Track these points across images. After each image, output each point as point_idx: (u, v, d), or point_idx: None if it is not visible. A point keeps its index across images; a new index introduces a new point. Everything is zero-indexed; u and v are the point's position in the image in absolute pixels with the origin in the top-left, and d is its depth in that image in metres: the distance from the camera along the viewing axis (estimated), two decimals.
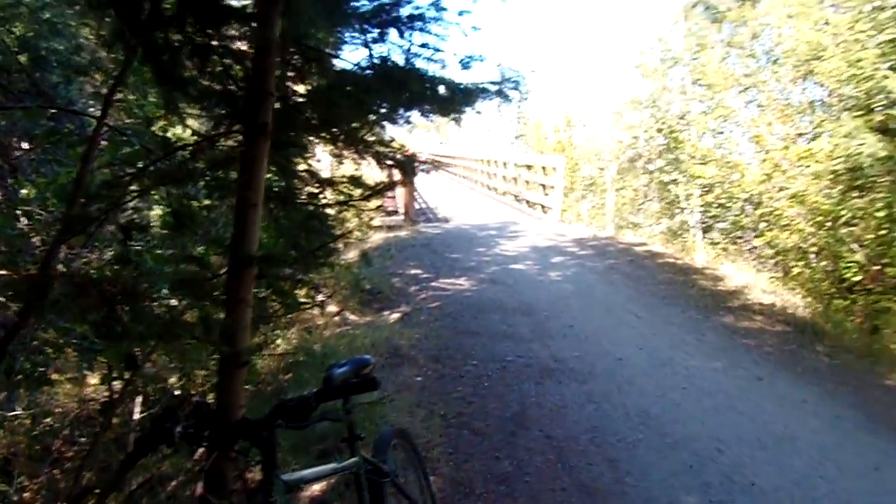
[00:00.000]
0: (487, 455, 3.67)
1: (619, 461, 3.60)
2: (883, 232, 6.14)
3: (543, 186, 14.66)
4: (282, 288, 3.89)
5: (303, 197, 3.41)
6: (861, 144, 6.19)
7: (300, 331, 6.43)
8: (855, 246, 6.32)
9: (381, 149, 3.34)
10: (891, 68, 6.09)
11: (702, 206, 10.77)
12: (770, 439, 3.91)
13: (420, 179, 28.30)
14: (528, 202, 15.87)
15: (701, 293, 7.55)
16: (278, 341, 5.98)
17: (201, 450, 2.94)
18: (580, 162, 16.29)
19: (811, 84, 8.09)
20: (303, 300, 5.07)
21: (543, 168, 14.49)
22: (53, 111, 4.58)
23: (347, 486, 3.21)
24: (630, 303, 7.11)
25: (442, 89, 2.91)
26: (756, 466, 3.57)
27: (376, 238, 11.70)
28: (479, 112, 3.18)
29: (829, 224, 6.46)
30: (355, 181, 3.30)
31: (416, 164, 3.79)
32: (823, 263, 6.70)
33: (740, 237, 8.87)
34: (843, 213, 6.33)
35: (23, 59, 5.90)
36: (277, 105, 2.24)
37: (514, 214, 15.55)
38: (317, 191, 3.35)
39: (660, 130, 12.07)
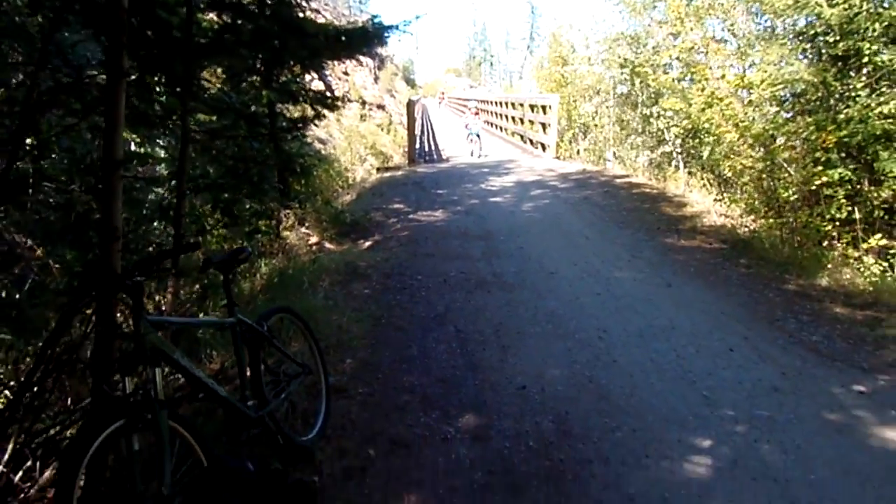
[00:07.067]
0: (401, 344, 4.39)
1: (510, 347, 4.28)
2: (816, 154, 6.55)
3: (543, 125, 15.07)
4: (231, 210, 4.63)
5: (233, 131, 4.07)
6: (792, 70, 6.59)
7: (283, 259, 7.20)
8: (789, 168, 6.77)
9: (294, 87, 3.98)
10: None
11: (675, 137, 11.16)
12: (651, 330, 4.54)
13: (439, 123, 28.52)
14: (531, 141, 16.31)
15: (659, 218, 8.08)
16: (262, 268, 6.76)
17: None
18: (577, 99, 16.61)
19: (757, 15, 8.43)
20: (263, 229, 5.82)
21: (543, 107, 14.87)
22: None
23: None
24: (587, 228, 7.69)
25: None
26: (625, 349, 4.22)
27: (373, 178, 12.40)
28: (372, 55, 3.77)
29: (765, 148, 6.88)
30: (270, 115, 3.94)
31: (338, 101, 4.42)
32: (763, 184, 7.15)
33: (711, 166, 9.29)
34: (778, 136, 6.76)
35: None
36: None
37: (516, 153, 16.05)
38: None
39: (622, 66, 12.36)
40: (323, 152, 15.59)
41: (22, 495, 2.78)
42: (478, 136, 16.19)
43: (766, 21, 8.43)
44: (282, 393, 2.98)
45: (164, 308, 4.45)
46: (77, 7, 3.17)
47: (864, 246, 6.20)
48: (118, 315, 2.67)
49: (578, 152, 16.06)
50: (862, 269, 5.83)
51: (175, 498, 2.10)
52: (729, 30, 10.02)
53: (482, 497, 2.73)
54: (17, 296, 4.48)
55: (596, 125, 15.70)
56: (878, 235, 6.11)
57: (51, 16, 3.23)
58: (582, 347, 4.26)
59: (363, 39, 4.11)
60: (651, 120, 12.30)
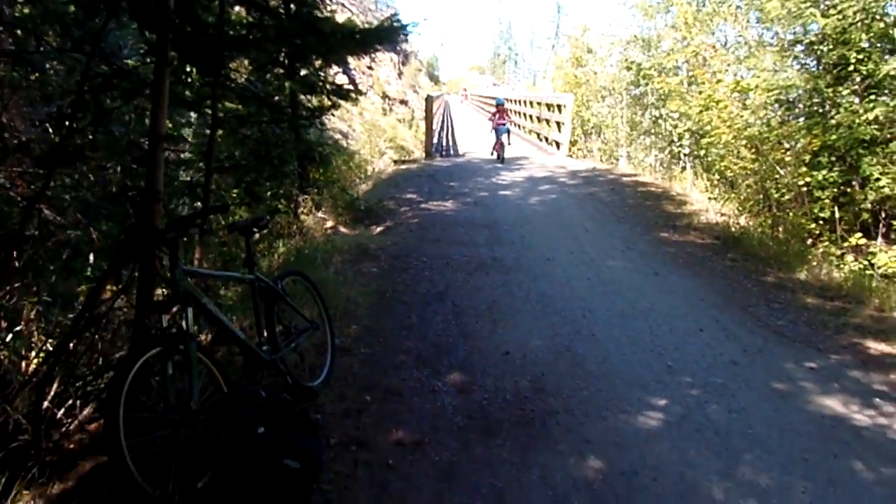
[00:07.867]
0: (402, 315, 4.84)
1: (500, 321, 4.72)
2: (805, 157, 6.92)
3: (557, 124, 15.45)
4: (252, 190, 5.11)
5: (257, 118, 4.55)
6: (786, 77, 6.96)
7: (299, 240, 7.69)
8: (780, 169, 7.13)
9: (314, 80, 4.44)
10: (814, 5, 6.77)
11: (679, 137, 11.53)
12: (632, 311, 4.95)
13: (460, 119, 28.92)
14: (546, 139, 16.69)
15: (658, 215, 8.45)
16: (280, 247, 7.25)
17: None
18: (590, 99, 17.01)
19: (757, 25, 8.80)
20: (282, 210, 6.31)
21: (558, 106, 15.25)
22: None
23: None
24: (588, 221, 8.08)
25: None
26: (605, 326, 4.64)
27: (390, 170, 12.87)
28: (376, 52, 4.24)
29: (759, 148, 7.25)
30: (292, 104, 4.42)
31: (353, 93, 4.89)
32: (757, 184, 7.51)
33: (709, 166, 9.65)
34: (770, 138, 7.14)
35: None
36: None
37: (531, 150, 16.45)
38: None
39: (628, 69, 12.75)
40: (343, 144, 16.11)
41: (63, 429, 3.27)
42: (504, 141, 13.48)
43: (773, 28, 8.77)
44: (292, 343, 3.46)
45: None
46: (126, 5, 3.64)
47: (846, 244, 6.55)
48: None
49: (591, 151, 16.45)
50: (841, 265, 6.19)
51: (201, 413, 2.57)
52: (741, 35, 10.34)
53: (459, 435, 3.18)
54: (52, 267, 5.01)
55: (608, 125, 16.11)
56: (859, 234, 6.46)
57: (102, 8, 3.71)
58: (566, 323, 4.68)
59: (375, 37, 4.63)
60: (660, 121, 12.70)
